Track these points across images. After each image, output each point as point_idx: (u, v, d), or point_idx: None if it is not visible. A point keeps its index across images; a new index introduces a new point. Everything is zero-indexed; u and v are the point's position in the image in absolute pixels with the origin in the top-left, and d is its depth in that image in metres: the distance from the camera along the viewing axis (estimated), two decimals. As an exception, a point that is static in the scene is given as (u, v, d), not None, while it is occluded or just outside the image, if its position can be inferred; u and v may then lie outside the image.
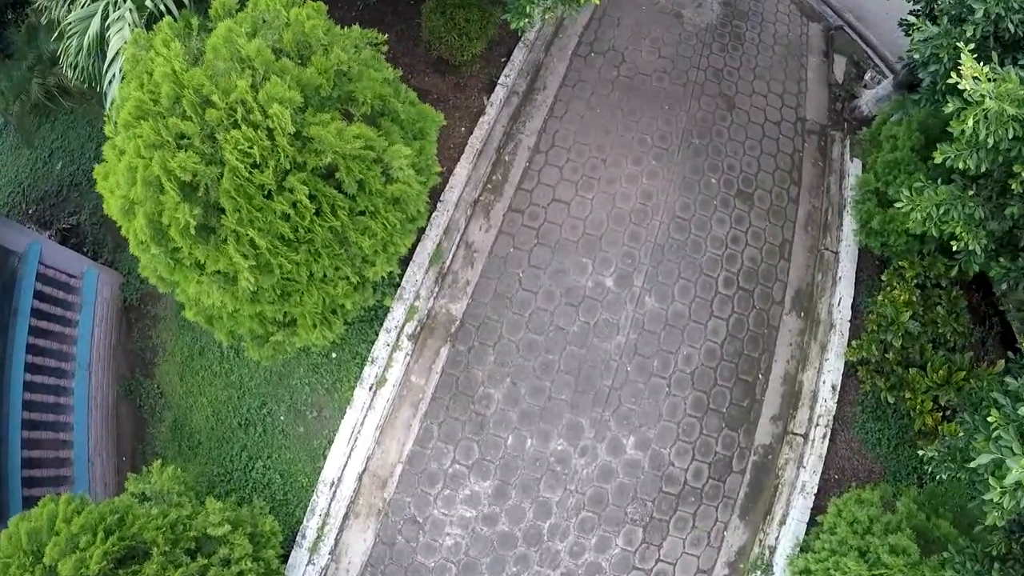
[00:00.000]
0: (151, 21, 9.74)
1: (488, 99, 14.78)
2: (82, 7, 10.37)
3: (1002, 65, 8.40)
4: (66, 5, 10.76)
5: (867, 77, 16.50)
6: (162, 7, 9.75)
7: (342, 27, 9.62)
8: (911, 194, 9.68)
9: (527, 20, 11.15)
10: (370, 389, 12.59)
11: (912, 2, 11.09)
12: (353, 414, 12.51)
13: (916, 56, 9.97)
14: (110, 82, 10.11)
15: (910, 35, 10.67)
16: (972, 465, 7.75)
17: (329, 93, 8.92)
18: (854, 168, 14.84)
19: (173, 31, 9.01)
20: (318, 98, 8.83)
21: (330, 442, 12.47)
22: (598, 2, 11.32)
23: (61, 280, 12.90)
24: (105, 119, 9.57)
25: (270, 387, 13.00)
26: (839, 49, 17.10)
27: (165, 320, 13.94)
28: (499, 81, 14.93)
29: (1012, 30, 8.84)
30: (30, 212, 15.84)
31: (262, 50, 8.43)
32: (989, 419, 7.60)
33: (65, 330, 12.79)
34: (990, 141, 8.12)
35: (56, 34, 10.87)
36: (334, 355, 12.97)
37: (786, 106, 15.78)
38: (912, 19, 10.17)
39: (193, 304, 10.11)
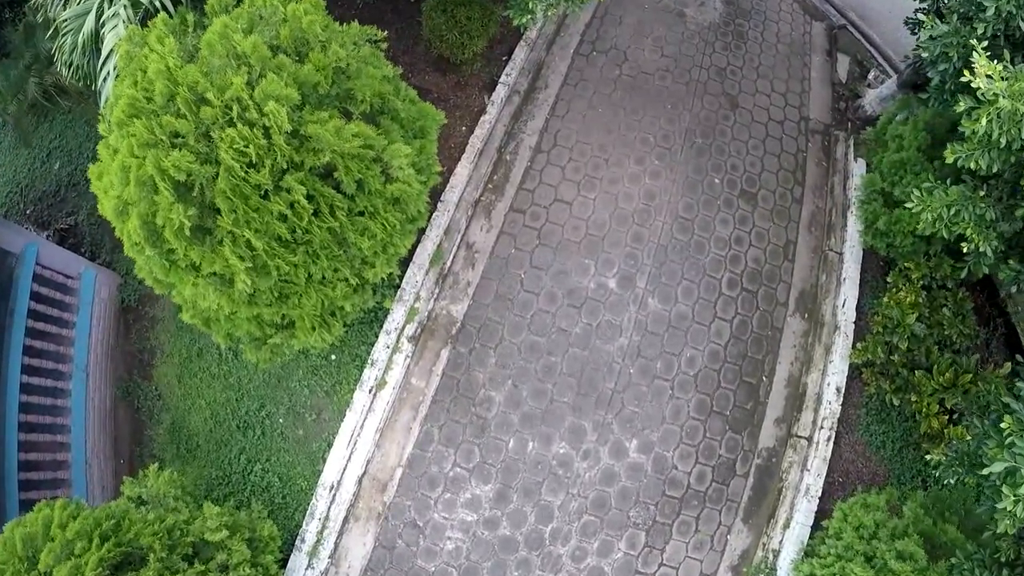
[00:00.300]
0: (146, 18, 9.62)
1: (489, 98, 14.61)
2: (77, 4, 10.30)
3: (1013, 64, 8.29)
4: (62, 3, 10.67)
5: (871, 76, 16.39)
6: (157, 3, 9.66)
7: (341, 24, 9.46)
8: (922, 195, 9.57)
9: (529, 17, 11.04)
10: (370, 391, 12.44)
11: (918, 0, 10.98)
12: (353, 417, 12.36)
13: (924, 54, 9.87)
14: (104, 80, 10.00)
15: (916, 33, 10.59)
16: (984, 472, 7.63)
17: (327, 91, 8.78)
18: (858, 168, 14.68)
19: (168, 27, 8.88)
20: (316, 96, 8.70)
21: (329, 445, 12.33)
22: None
23: (58, 281, 12.78)
24: (100, 118, 9.43)
25: (269, 389, 12.86)
26: (842, 48, 16.98)
27: (163, 321, 13.80)
28: (500, 80, 14.76)
29: (1023, 28, 8.75)
30: (28, 212, 15.71)
31: (258, 46, 8.28)
32: (1002, 425, 7.47)
33: (62, 332, 12.66)
34: (1003, 141, 8.03)
35: (52, 32, 10.82)
36: (333, 357, 12.83)
37: (789, 105, 15.64)
38: (920, 17, 10.02)
39: (190, 306, 9.99)
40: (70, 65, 10.64)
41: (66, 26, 10.34)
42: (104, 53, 9.95)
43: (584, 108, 14.88)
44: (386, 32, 9.68)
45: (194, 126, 8.12)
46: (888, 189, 12.21)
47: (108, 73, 9.93)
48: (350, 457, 12.21)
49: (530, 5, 10.86)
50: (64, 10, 10.48)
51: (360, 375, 12.55)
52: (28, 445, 11.58)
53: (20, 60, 12.66)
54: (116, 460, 13.43)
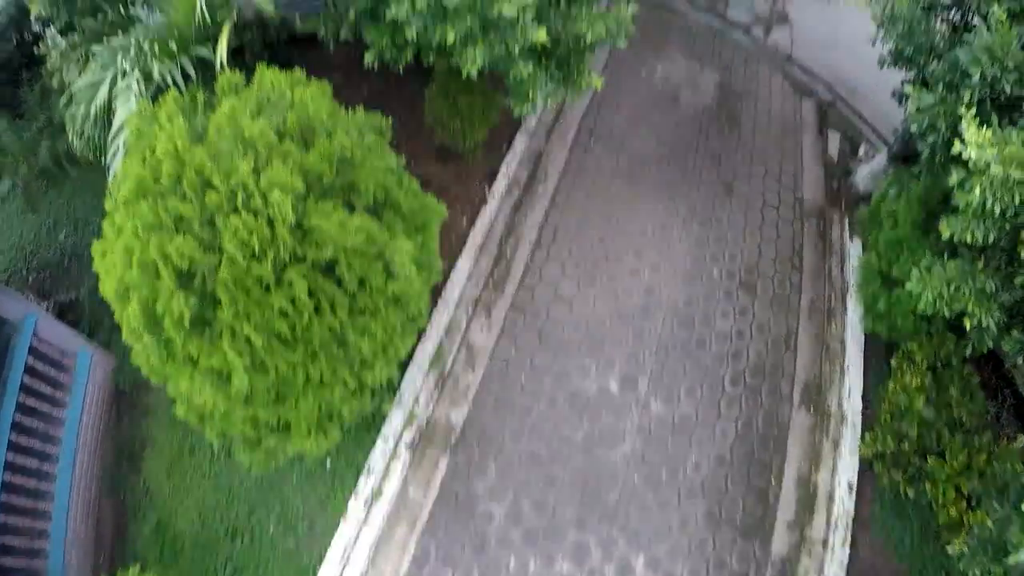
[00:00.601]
0: (158, 93, 9.81)
1: (490, 189, 14.81)
2: (92, 73, 10.58)
3: (1001, 127, 8.39)
4: (77, 70, 11.11)
5: (861, 152, 16.69)
6: (169, 80, 9.94)
7: (347, 108, 9.61)
8: (921, 273, 9.49)
9: (529, 106, 11.21)
10: (365, 503, 11.94)
11: (904, 71, 11.20)
12: (347, 529, 11.78)
13: (913, 127, 9.99)
14: (114, 155, 10.12)
15: (903, 105, 10.75)
16: (1011, 561, 7.29)
17: (332, 181, 8.80)
18: (855, 249, 14.67)
19: (178, 105, 9.04)
20: (320, 186, 8.71)
21: (321, 559, 11.67)
22: (599, 87, 11.35)
23: (54, 357, 12.40)
24: (108, 194, 9.37)
25: (260, 494, 12.32)
26: (833, 124, 17.43)
27: (156, 412, 13.35)
28: (500, 171, 15.00)
29: (1008, 91, 8.85)
30: (30, 280, 15.57)
31: (265, 132, 8.37)
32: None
33: (53, 411, 12.18)
34: (996, 209, 8.04)
35: (66, 98, 11.05)
36: (329, 463, 12.37)
37: (784, 188, 15.87)
38: (907, 89, 10.17)
39: (184, 401, 9.66)
40: (81, 135, 10.80)
41: (79, 95, 10.55)
42: (115, 127, 10.11)
43: (583, 199, 15.07)
44: (390, 119, 9.86)
45: (199, 211, 8.11)
46: (886, 269, 12.15)
47: (118, 148, 10.05)
48: (343, 574, 11.55)
49: (530, 95, 11.02)
50: (79, 77, 10.77)
51: (356, 484, 12.07)
52: (5, 528, 10.91)
53: (34, 123, 12.89)
54: (97, 554, 12.66)
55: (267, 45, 13.09)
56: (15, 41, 13.54)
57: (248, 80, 9.37)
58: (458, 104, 13.29)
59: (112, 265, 8.59)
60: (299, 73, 9.57)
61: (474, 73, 10.08)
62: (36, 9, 12.01)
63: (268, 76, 9.28)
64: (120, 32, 11.12)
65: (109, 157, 10.14)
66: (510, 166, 15.00)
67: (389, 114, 9.86)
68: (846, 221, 15.20)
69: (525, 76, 10.47)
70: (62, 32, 12.45)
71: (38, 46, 12.81)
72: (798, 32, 19.74)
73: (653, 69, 18.09)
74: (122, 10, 11.73)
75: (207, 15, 10.64)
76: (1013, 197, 7.88)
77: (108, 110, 10.19)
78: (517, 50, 9.91)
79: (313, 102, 8.90)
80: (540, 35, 9.72)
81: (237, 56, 11.06)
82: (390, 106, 13.65)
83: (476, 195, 14.67)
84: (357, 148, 9.07)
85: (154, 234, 8.03)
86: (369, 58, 10.96)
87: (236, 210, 7.98)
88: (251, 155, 8.26)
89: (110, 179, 9.93)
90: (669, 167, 15.66)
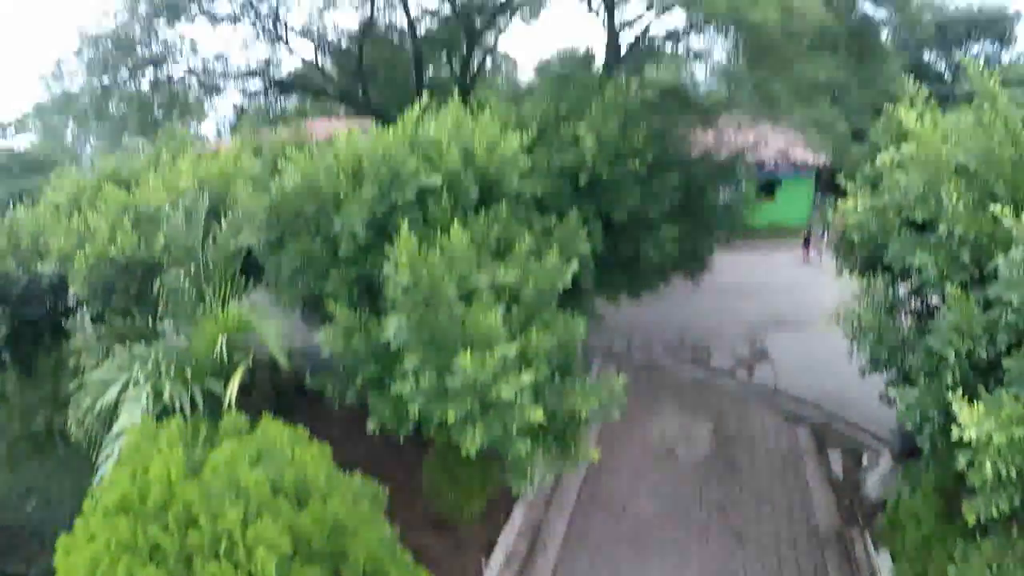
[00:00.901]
0: (163, 413, 9.98)
1: (487, 563, 13.96)
2: (106, 370, 10.84)
3: (988, 390, 8.64)
4: (95, 362, 11.36)
5: (865, 461, 16.42)
6: (177, 404, 10.09)
7: (345, 470, 9.63)
8: (957, 567, 9.33)
9: (528, 482, 11.33)
10: None
11: (883, 372, 11.55)
12: None
13: (908, 424, 10.13)
14: (107, 458, 10.04)
15: (893, 406, 10.91)
16: None
17: (321, 546, 8.56)
18: (883, 561, 13.49)
19: (180, 434, 9.06)
20: (309, 550, 8.43)
21: None
22: (596, 458, 11.75)
23: None
24: (90, 495, 9.08)
25: None
26: (832, 443, 17.36)
27: None
28: (498, 543, 14.34)
29: (984, 356, 9.17)
30: None
31: (260, 484, 8.31)
32: None
33: None
34: (1013, 474, 8.02)
35: (77, 384, 11.26)
36: None
37: (795, 521, 15.09)
38: (891, 391, 10.48)
39: None
40: (81, 423, 10.89)
41: (90, 386, 10.71)
42: (115, 430, 10.14)
43: (586, 570, 14.14)
44: (387, 486, 9.84)
45: (178, 547, 7.85)
46: (921, 573, 11.50)
47: (112, 452, 9.99)
48: None
49: (528, 472, 11.20)
50: (95, 369, 11.03)
51: None
52: None
53: (40, 388, 13.10)
54: None
55: (276, 388, 13.62)
56: (48, 307, 14.05)
57: (253, 424, 9.51)
58: (456, 476, 13.25)
59: (74, 567, 8.05)
60: (302, 431, 9.73)
61: (473, 452, 10.22)
62: (75, 289, 12.67)
63: (272, 429, 9.42)
64: (143, 341, 11.66)
65: (101, 457, 10.08)
66: (508, 538, 14.46)
67: (386, 476, 9.87)
68: (867, 536, 14.28)
69: (523, 455, 10.65)
70: (93, 319, 13.05)
71: (67, 319, 13.27)
72: (779, 365, 20.96)
73: (647, 428, 18.43)
74: (150, 321, 12.42)
75: (225, 353, 11.25)
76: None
77: (113, 411, 10.30)
78: (515, 429, 10.19)
79: (312, 463, 8.95)
80: (537, 414, 10.04)
81: (246, 393, 11.50)
82: (388, 468, 13.41)
83: (472, 569, 13.78)
84: (351, 516, 8.94)
85: (126, 555, 7.70)
86: (371, 425, 11.27)
87: (217, 556, 7.69)
88: (242, 504, 8.10)
89: (96, 480, 9.80)
90: (674, 526, 14.99)
